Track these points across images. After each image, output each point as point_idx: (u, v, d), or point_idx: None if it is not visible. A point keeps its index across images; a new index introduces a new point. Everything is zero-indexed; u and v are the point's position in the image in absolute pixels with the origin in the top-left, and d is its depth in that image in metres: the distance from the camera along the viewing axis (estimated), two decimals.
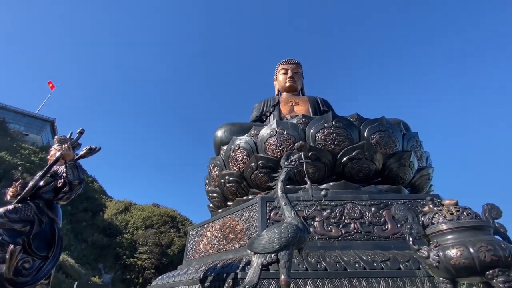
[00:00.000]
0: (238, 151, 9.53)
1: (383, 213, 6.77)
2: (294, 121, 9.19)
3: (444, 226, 3.12)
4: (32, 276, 4.60)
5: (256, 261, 3.22)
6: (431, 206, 3.46)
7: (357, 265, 5.32)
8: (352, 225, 6.64)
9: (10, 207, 4.77)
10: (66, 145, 5.54)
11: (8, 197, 5.28)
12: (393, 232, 6.48)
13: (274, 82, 19.69)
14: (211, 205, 11.61)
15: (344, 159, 8.27)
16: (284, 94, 18.11)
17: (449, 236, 3.05)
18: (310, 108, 16.22)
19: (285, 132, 8.75)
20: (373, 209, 6.84)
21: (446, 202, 3.41)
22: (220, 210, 9.89)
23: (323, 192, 3.92)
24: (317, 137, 8.52)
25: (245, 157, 9.31)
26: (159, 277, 8.38)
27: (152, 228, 45.02)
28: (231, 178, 9.67)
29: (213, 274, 6.04)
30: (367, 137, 8.54)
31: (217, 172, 10.40)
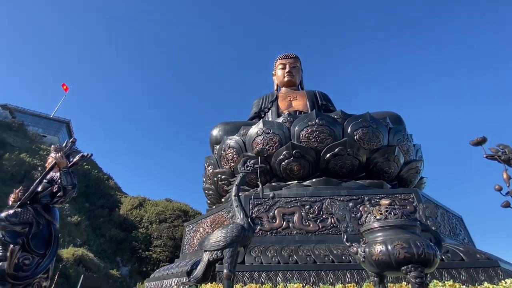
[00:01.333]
0: (229, 150, 9.95)
1: (360, 208, 7.01)
2: (280, 120, 9.46)
3: (374, 225, 3.42)
4: (32, 271, 5.23)
5: (205, 258, 3.65)
6: (368, 206, 3.74)
7: (326, 258, 5.67)
8: (329, 220, 6.95)
9: (11, 211, 5.39)
10: (59, 154, 6.12)
11: (10, 202, 5.92)
12: None
13: (274, 77, 19.85)
14: (208, 201, 12.17)
15: (328, 155, 8.52)
16: (283, 89, 18.25)
17: (378, 234, 3.34)
18: (308, 103, 16.36)
19: (271, 131, 9.06)
20: (350, 204, 7.10)
21: (382, 202, 3.68)
22: (214, 207, 10.40)
23: (271, 194, 4.28)
24: (301, 135, 8.78)
25: (235, 156, 9.71)
26: (157, 270, 9.04)
27: (165, 223, 46.61)
28: (223, 177, 10.13)
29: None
30: (351, 134, 8.73)
31: (211, 170, 10.89)
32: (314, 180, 8.23)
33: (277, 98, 17.31)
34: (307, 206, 7.25)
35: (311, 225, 6.97)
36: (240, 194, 9.08)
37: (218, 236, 3.65)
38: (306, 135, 8.73)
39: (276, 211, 7.27)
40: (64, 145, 6.74)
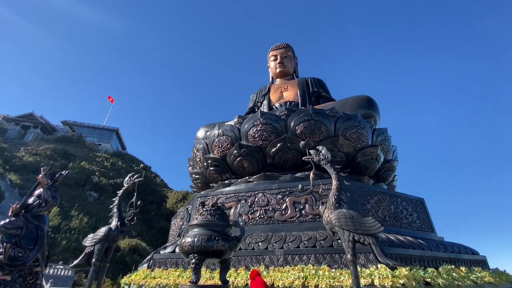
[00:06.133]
0: (197, 153, 11.20)
1: (286, 200, 7.69)
2: (232, 122, 10.30)
3: (193, 222, 4.31)
4: (24, 260, 7.29)
5: (85, 250, 4.97)
6: (199, 207, 4.61)
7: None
8: (258, 212, 7.79)
9: (7, 220, 7.48)
10: (40, 175, 8.11)
11: (10, 213, 8.07)
12: (290, 216, 7.41)
13: (269, 70, 20.13)
14: None
15: (272, 151, 9.18)
16: (277, 80, 18.67)
17: (193, 230, 4.23)
18: (298, 92, 16.67)
19: (224, 134, 10.00)
20: (278, 196, 7.81)
21: (210, 204, 4.51)
22: None
23: (139, 203, 5.37)
24: (249, 135, 9.55)
25: (201, 158, 10.92)
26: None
27: None
28: (196, 176, 11.48)
29: (150, 255, 8.09)
30: (293, 128, 9.20)
31: (190, 170, 12.31)
32: (256, 176, 9.03)
33: (269, 90, 17.79)
34: (243, 201, 8.16)
35: (243, 217, 7.90)
36: (197, 193, 10.23)
37: (93, 235, 4.98)
38: (252, 134, 9.47)
39: None
40: (49, 167, 8.75)
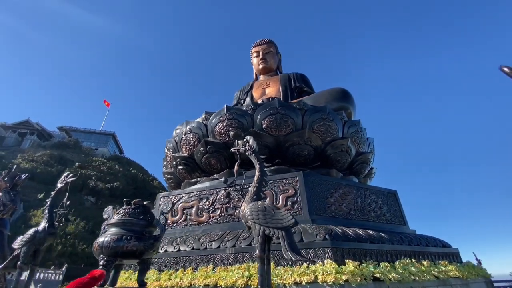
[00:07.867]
0: (168, 152, 10.97)
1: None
2: (200, 119, 10.03)
3: (110, 221, 4.07)
4: None
5: (14, 252, 4.79)
6: (124, 205, 4.35)
7: (188, 247, 6.38)
8: (219, 210, 7.53)
9: None
10: None
11: None
12: None
13: (252, 66, 19.87)
14: None
15: None
16: (261, 77, 18.41)
17: (110, 229, 3.99)
18: (280, 88, 16.42)
19: (191, 131, 9.74)
20: (241, 193, 7.55)
21: (134, 202, 4.25)
22: None
23: (68, 203, 5.14)
24: (215, 131, 9.29)
25: (171, 156, 10.68)
26: None
27: None
28: (168, 176, 11.25)
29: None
30: (259, 123, 8.92)
31: (164, 169, 12.09)
32: (222, 172, 8.77)
33: (252, 87, 17.54)
34: (204, 199, 7.92)
35: (204, 216, 7.66)
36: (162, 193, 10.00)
37: (22, 237, 4.80)
38: (219, 130, 9.20)
39: (179, 206, 8.11)
40: (6, 173, 8.60)
